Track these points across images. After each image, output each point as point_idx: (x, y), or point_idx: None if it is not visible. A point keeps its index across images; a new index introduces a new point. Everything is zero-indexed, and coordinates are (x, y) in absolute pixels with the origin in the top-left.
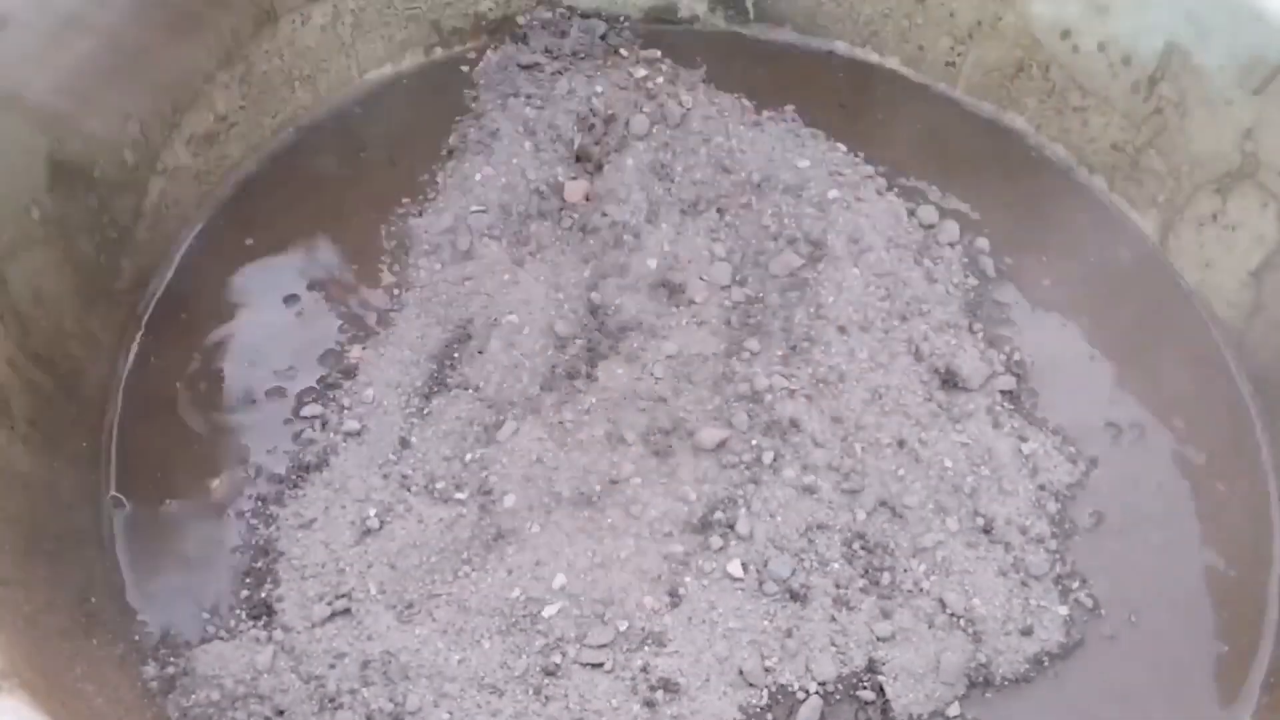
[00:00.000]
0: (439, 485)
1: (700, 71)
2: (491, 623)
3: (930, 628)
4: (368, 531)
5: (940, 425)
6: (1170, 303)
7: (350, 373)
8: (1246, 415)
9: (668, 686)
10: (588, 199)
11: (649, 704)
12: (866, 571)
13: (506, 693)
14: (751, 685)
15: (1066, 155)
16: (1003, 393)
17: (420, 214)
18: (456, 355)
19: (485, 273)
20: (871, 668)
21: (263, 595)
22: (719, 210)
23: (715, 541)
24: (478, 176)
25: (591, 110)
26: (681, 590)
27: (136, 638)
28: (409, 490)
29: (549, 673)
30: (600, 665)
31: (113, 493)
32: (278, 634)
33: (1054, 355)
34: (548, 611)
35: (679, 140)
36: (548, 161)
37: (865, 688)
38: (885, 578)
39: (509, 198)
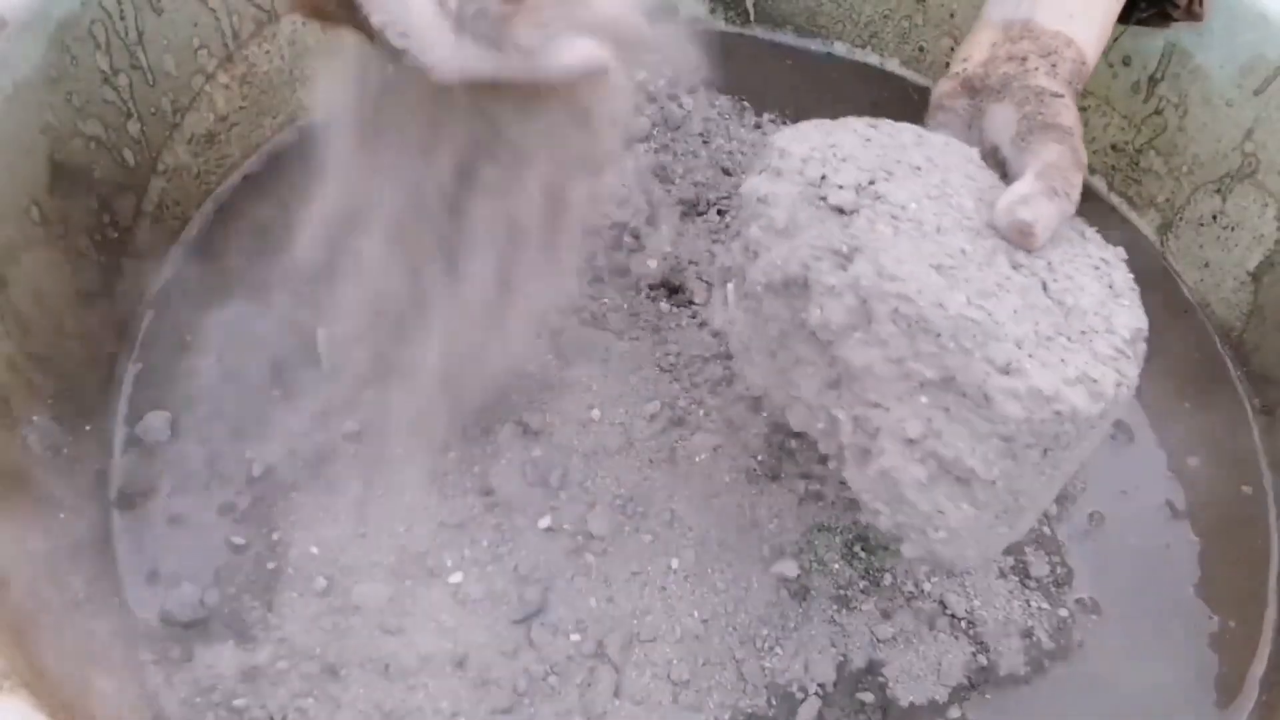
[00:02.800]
0: (439, 485)
1: (700, 73)
2: (493, 622)
3: (931, 630)
4: (366, 533)
5: None
6: (1169, 303)
7: (349, 373)
8: (1245, 415)
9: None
10: None
11: (645, 703)
12: (867, 573)
13: (508, 691)
14: (750, 685)
15: None
16: None
17: None
18: None
19: None
20: (871, 669)
21: (262, 595)
22: (719, 212)
23: None
24: None
25: None
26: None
27: (136, 637)
28: (408, 491)
29: (552, 671)
30: (601, 663)
31: (113, 493)
32: (276, 633)
33: None
34: (551, 608)
35: (679, 142)
36: None
37: (865, 689)
38: (886, 579)
39: None
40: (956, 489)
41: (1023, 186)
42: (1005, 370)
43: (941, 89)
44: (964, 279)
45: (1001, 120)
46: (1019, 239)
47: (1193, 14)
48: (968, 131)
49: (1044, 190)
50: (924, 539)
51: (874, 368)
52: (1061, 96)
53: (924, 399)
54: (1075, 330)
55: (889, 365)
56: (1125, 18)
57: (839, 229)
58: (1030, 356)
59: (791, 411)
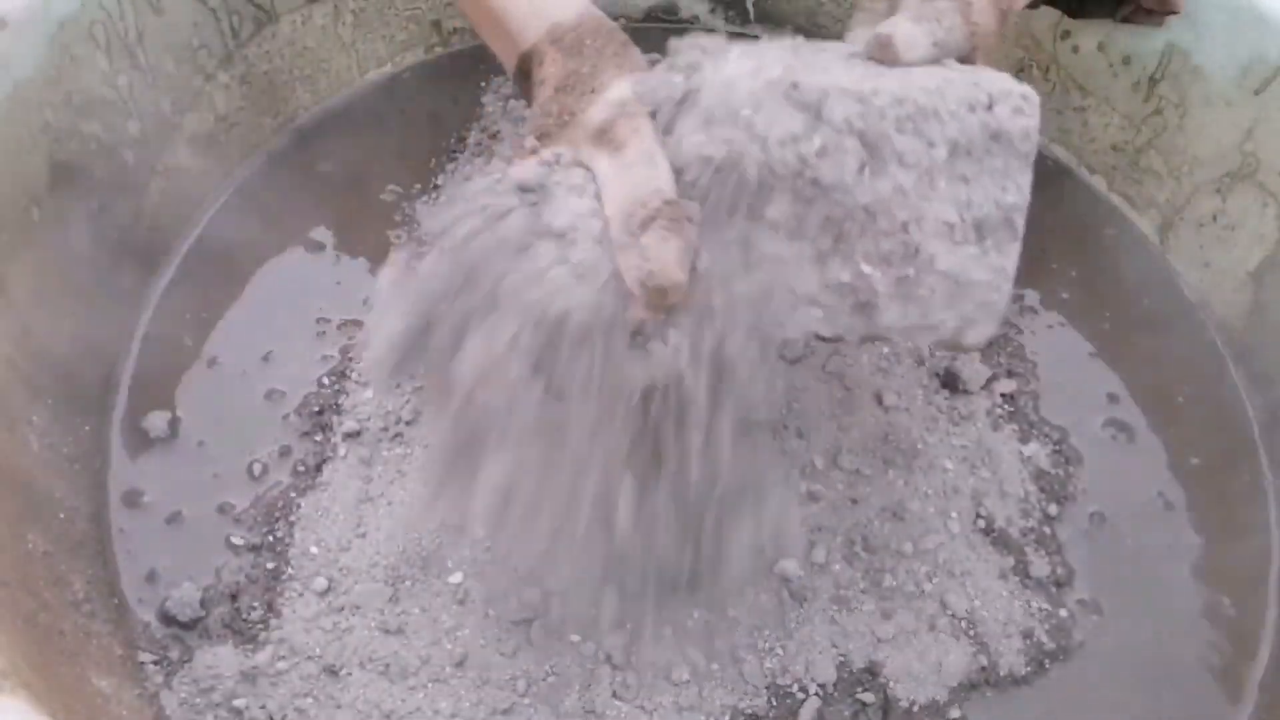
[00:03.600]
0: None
1: None
2: (493, 622)
3: (932, 630)
4: (365, 533)
5: (941, 428)
6: (1170, 303)
7: (349, 374)
8: (1245, 415)
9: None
10: None
11: (645, 703)
12: (868, 573)
13: (508, 692)
14: (750, 685)
15: (1066, 155)
16: (1003, 395)
17: (419, 215)
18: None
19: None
20: (872, 669)
21: (262, 595)
22: None
23: None
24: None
25: None
26: None
27: (136, 637)
28: (407, 490)
29: (552, 671)
30: (601, 664)
31: (112, 493)
32: (276, 634)
33: (1054, 356)
34: (551, 609)
35: None
36: None
37: (866, 689)
38: (887, 579)
39: None
40: (1004, 233)
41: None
42: (989, 105)
43: None
44: (902, 77)
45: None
46: (879, 52)
47: (1168, 5)
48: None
49: (911, 15)
50: (993, 306)
51: (900, 186)
52: None
53: (942, 183)
54: (970, 74)
55: (908, 173)
56: (1111, 14)
57: (790, 95)
58: (980, 84)
59: (790, 326)
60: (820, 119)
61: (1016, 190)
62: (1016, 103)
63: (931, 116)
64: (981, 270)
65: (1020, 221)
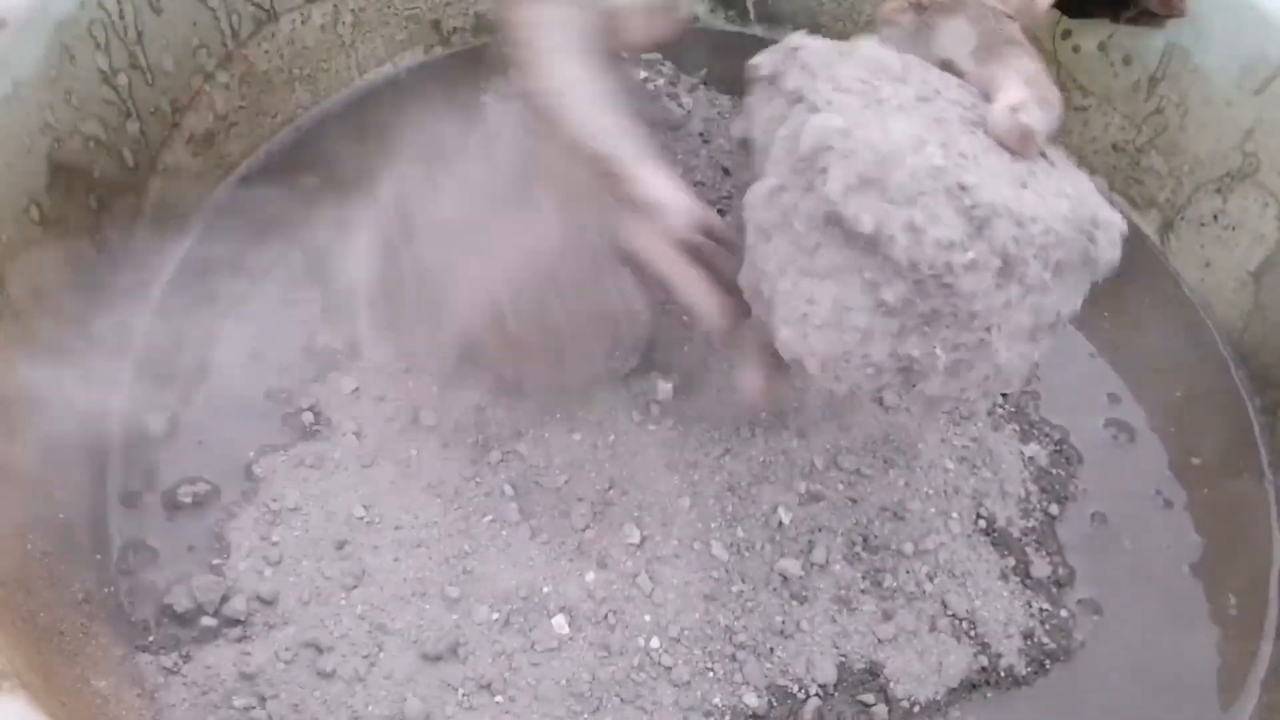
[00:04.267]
0: (438, 490)
1: (700, 73)
2: (491, 618)
3: (932, 630)
4: (366, 533)
5: (941, 428)
6: (1170, 303)
7: (349, 373)
8: (1245, 415)
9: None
10: None
11: (645, 703)
12: (868, 573)
13: (508, 691)
14: (750, 685)
15: (1067, 156)
16: (1003, 395)
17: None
18: None
19: None
20: (872, 669)
21: (261, 594)
22: (720, 212)
23: None
24: None
25: None
26: None
27: (136, 637)
28: (408, 492)
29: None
30: (602, 664)
31: (112, 493)
32: (276, 633)
33: (1054, 356)
34: (549, 602)
35: (679, 142)
36: None
37: (866, 690)
38: (887, 580)
39: None
40: (1046, 333)
41: (1015, 93)
42: (1092, 238)
43: (889, 5)
44: (1033, 180)
45: (956, 35)
46: (1019, 144)
47: (1172, 8)
48: (913, 46)
49: (1035, 99)
50: (1009, 384)
51: (1010, 300)
52: (1014, 20)
53: (1031, 298)
54: (1073, 179)
55: (1020, 289)
56: (1115, 18)
57: (956, 197)
58: (1087, 205)
59: (843, 380)
60: (980, 236)
61: (1073, 304)
62: (1114, 236)
63: (1058, 246)
64: (1027, 364)
65: (1062, 327)
